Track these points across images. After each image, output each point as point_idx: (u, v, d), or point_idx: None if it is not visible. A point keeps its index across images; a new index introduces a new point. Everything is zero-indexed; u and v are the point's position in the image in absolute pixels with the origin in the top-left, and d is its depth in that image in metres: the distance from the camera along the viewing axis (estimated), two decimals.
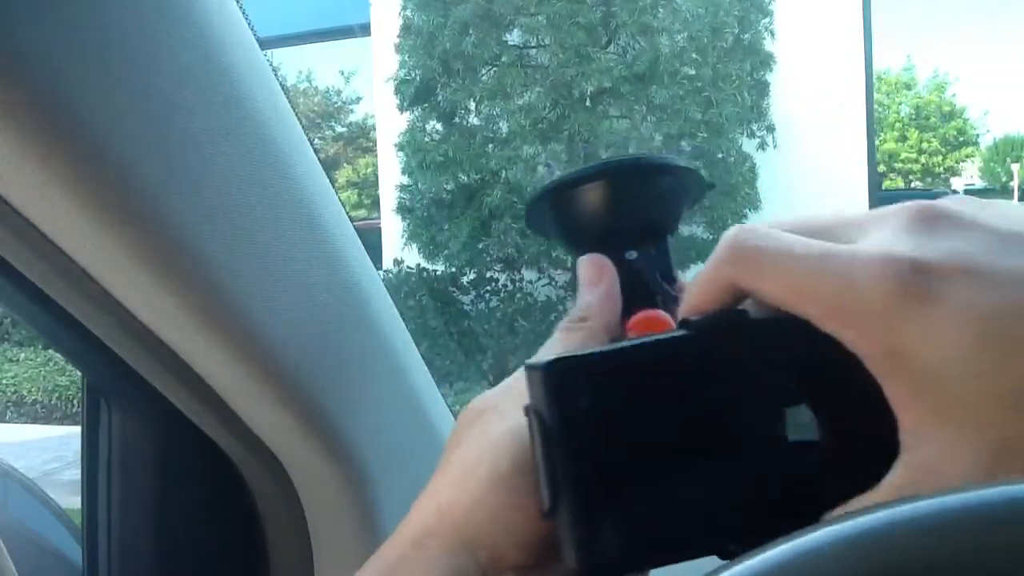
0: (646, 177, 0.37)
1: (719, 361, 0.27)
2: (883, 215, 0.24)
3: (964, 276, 0.21)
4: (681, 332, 0.28)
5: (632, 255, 0.36)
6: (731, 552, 0.27)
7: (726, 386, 0.27)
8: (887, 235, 0.23)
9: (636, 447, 0.27)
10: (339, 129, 14.37)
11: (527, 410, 0.28)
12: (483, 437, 0.31)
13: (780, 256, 0.24)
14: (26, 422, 5.87)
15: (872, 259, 0.22)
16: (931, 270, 0.22)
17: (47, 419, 5.88)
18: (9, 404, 6.05)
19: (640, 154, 0.38)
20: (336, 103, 14.25)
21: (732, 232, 0.26)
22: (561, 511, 0.27)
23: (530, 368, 0.29)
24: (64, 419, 5.78)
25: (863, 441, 0.25)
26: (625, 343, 0.29)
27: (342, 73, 13.64)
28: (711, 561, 0.25)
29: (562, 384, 0.27)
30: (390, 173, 6.79)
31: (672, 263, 0.36)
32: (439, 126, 6.05)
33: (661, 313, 0.35)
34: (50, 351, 5.98)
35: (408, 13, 5.90)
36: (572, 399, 0.27)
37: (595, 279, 0.34)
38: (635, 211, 0.36)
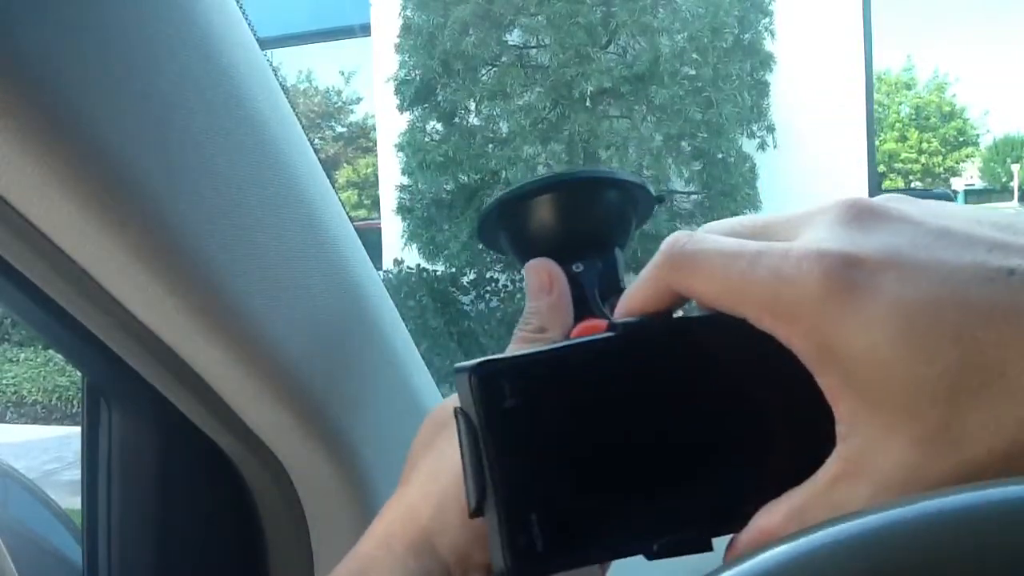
0: (593, 190, 0.37)
1: (645, 362, 0.28)
2: (817, 212, 0.24)
3: (894, 270, 0.21)
4: (607, 334, 0.29)
5: (579, 267, 0.36)
6: (656, 552, 0.27)
7: (654, 387, 0.28)
8: (820, 231, 0.23)
9: (562, 448, 0.28)
10: (339, 129, 14.37)
11: (455, 412, 0.28)
12: (447, 442, 0.31)
13: (714, 258, 0.24)
14: (26, 422, 5.87)
15: (803, 255, 0.22)
16: (861, 263, 0.22)
17: (47, 419, 5.87)
18: (9, 404, 6.05)
19: (588, 168, 0.39)
20: (336, 103, 14.26)
21: (670, 238, 0.26)
22: (487, 511, 0.27)
23: (459, 371, 0.29)
24: (64, 419, 5.77)
25: (801, 437, 0.25)
26: (551, 345, 0.29)
27: (342, 73, 13.64)
28: (711, 563, 0.25)
29: (488, 386, 0.28)
30: (390, 173, 6.78)
31: (621, 275, 0.37)
32: (439, 126, 6.05)
33: (600, 325, 0.35)
34: (50, 351, 5.98)
35: (408, 13, 5.89)
36: (497, 401, 0.28)
37: (546, 286, 0.34)
38: (581, 224, 0.37)
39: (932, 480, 0.21)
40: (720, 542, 0.27)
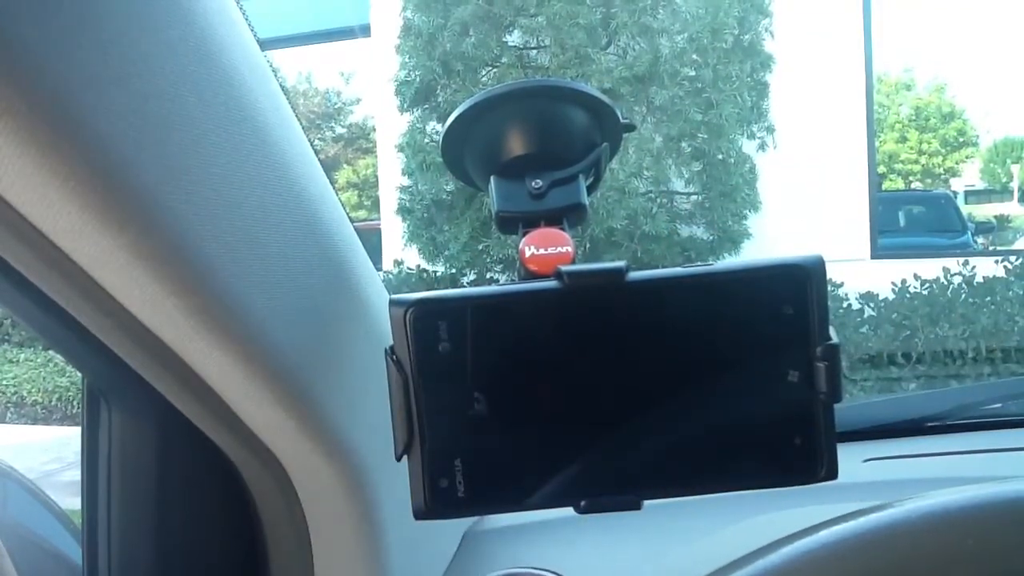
0: (552, 102, 0.35)
1: (586, 317, 0.27)
2: None
3: None
4: (551, 284, 0.28)
5: (538, 184, 0.35)
6: (584, 508, 0.26)
7: (592, 343, 0.27)
8: None
9: (492, 396, 0.27)
10: (339, 130, 14.38)
11: (387, 352, 0.28)
12: None
13: None
14: (26, 423, 5.87)
15: None
16: None
17: (47, 420, 5.87)
18: (9, 405, 6.04)
19: (552, 78, 0.38)
20: (336, 104, 14.26)
21: None
22: (412, 454, 0.27)
23: (394, 304, 0.28)
24: (64, 420, 5.77)
25: (739, 406, 0.26)
26: (492, 289, 0.29)
27: (342, 74, 13.65)
28: (707, 564, 0.25)
29: (423, 328, 0.27)
30: (390, 174, 6.79)
31: (582, 193, 0.35)
32: (439, 127, 6.05)
33: (555, 232, 0.34)
34: (50, 352, 5.98)
35: (408, 14, 5.89)
36: (431, 344, 0.27)
37: None
38: (539, 135, 0.35)
39: None
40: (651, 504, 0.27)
